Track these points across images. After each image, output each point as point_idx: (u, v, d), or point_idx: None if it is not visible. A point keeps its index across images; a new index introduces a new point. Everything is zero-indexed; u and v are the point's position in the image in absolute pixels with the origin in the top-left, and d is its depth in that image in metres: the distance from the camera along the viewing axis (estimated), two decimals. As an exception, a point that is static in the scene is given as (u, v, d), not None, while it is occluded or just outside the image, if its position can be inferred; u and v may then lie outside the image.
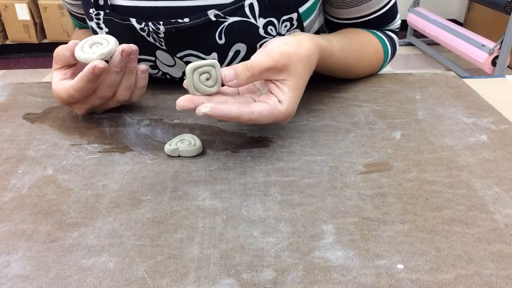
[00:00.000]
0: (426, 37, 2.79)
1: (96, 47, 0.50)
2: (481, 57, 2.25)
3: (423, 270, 0.33)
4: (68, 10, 0.73)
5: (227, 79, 0.42)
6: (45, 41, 2.97)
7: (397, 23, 0.68)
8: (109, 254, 0.35)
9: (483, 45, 2.27)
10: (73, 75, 0.53)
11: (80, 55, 0.49)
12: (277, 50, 0.45)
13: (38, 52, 3.01)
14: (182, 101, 0.42)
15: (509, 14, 2.17)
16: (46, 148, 0.49)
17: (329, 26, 0.70)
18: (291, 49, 0.45)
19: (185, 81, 0.43)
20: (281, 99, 0.44)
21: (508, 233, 0.37)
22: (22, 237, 0.37)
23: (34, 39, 2.93)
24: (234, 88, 0.45)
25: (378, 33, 0.65)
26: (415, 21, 2.81)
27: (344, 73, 0.61)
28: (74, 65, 0.54)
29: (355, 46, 0.60)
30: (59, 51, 0.52)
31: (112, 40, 0.50)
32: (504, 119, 0.54)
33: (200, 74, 0.43)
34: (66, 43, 0.74)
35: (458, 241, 0.36)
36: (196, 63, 0.42)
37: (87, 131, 0.53)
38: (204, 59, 0.58)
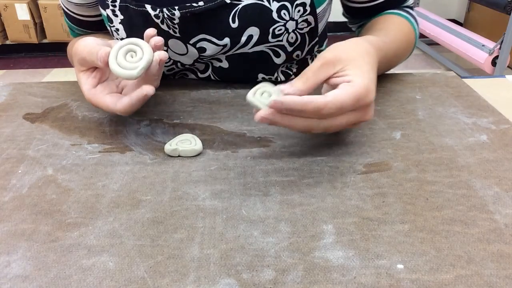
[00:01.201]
0: (426, 37, 2.79)
1: (131, 57, 0.47)
2: (481, 57, 2.25)
3: (423, 270, 0.33)
4: (68, 16, 0.70)
5: (286, 91, 0.42)
6: (45, 41, 2.97)
7: None
8: (109, 254, 0.35)
9: (483, 45, 2.26)
10: (103, 76, 0.51)
11: (119, 71, 0.46)
12: (322, 52, 0.45)
13: (38, 52, 3.01)
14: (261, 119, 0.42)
15: (509, 14, 2.16)
16: (46, 148, 0.49)
17: (349, 13, 0.70)
18: (335, 44, 0.45)
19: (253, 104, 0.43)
20: (348, 80, 0.42)
21: (508, 233, 0.37)
22: (22, 237, 0.37)
23: (34, 39, 2.92)
24: None
25: (404, 14, 0.66)
26: (415, 21, 2.80)
27: (392, 67, 0.62)
28: None
29: (400, 38, 0.61)
30: (83, 54, 0.48)
31: (145, 45, 0.47)
32: (504, 119, 0.54)
33: (261, 94, 0.43)
34: (66, 43, 0.74)
35: (458, 241, 0.36)
36: (252, 90, 0.43)
37: (87, 131, 0.53)
38: (216, 44, 0.58)
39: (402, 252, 0.35)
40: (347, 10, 0.70)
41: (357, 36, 0.71)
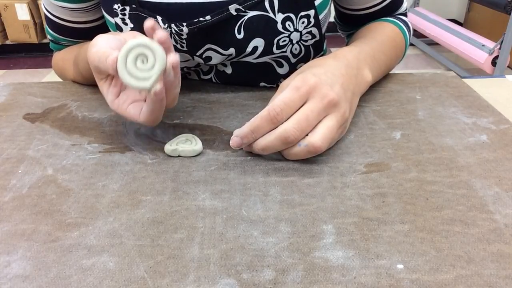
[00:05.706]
0: (426, 37, 2.79)
1: (142, 63, 0.41)
2: (481, 57, 2.25)
3: (423, 270, 0.33)
4: (54, 25, 0.66)
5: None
6: (45, 41, 2.97)
7: (404, 6, 0.70)
8: (109, 254, 0.35)
9: (483, 45, 2.26)
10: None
11: (129, 81, 0.41)
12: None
13: (38, 52, 3.01)
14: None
15: (509, 14, 2.17)
16: (46, 148, 0.49)
17: (342, 19, 0.71)
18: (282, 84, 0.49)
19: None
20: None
21: (508, 233, 0.37)
22: (22, 237, 0.37)
23: (34, 39, 2.92)
24: None
25: (396, 21, 0.66)
26: (415, 21, 2.81)
27: (384, 70, 0.63)
28: None
29: (388, 46, 0.62)
30: (95, 62, 0.44)
31: (157, 49, 0.41)
32: (504, 119, 0.54)
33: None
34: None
35: (458, 241, 0.36)
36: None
37: (87, 131, 0.53)
38: (222, 54, 0.58)
39: (402, 252, 0.35)
40: (339, 16, 0.71)
41: (346, 44, 0.72)
